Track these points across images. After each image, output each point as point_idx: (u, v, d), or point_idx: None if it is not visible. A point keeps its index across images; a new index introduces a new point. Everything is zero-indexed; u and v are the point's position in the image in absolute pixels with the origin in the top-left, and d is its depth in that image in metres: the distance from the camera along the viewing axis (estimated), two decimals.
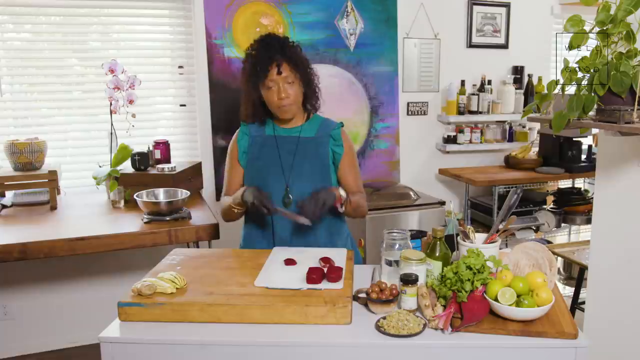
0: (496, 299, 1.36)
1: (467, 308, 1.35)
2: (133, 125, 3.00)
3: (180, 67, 3.29)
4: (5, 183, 2.72)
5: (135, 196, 2.48)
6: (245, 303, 1.40)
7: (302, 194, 1.87)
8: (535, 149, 3.88)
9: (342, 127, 2.00)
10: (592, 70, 1.62)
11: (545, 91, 1.74)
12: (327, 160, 1.94)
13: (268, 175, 1.93)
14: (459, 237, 1.63)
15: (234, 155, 2.01)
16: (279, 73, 1.82)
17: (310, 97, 1.95)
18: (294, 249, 1.83)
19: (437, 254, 1.55)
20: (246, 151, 1.98)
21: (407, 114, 3.80)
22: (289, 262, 1.67)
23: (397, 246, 1.57)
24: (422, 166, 3.91)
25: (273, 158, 1.94)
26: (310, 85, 1.93)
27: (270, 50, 1.83)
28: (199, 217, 2.57)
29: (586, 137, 3.78)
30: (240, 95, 1.98)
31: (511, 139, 3.97)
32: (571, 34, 1.65)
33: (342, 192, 1.87)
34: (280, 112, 1.89)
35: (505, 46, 3.93)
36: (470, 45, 3.85)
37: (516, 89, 3.88)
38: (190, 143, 3.39)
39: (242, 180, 2.01)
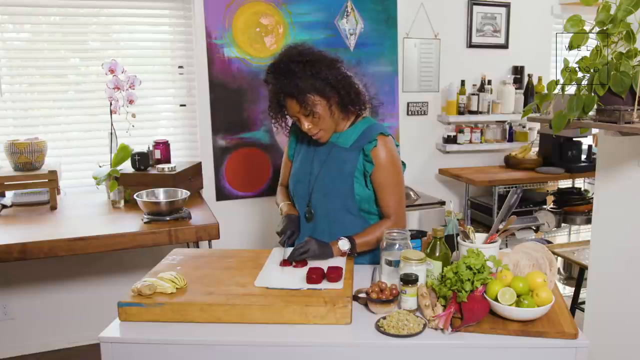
0: (496, 299, 1.36)
1: (467, 308, 1.35)
2: (133, 125, 3.00)
3: (180, 67, 3.29)
4: (5, 183, 2.72)
5: (135, 196, 2.48)
6: (245, 303, 1.40)
7: (318, 208, 1.85)
8: (535, 149, 3.88)
9: (387, 137, 1.85)
10: (592, 70, 1.62)
11: (545, 91, 1.74)
12: (350, 179, 1.81)
13: (297, 182, 1.92)
14: (459, 237, 1.63)
15: (286, 148, 2.05)
16: (287, 113, 1.78)
17: (346, 103, 1.79)
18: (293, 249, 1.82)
19: (437, 254, 1.55)
20: (295, 147, 2.00)
21: (407, 114, 3.79)
22: (285, 263, 1.67)
23: (397, 246, 1.57)
24: (422, 166, 3.91)
25: (305, 165, 1.90)
26: (340, 95, 1.77)
27: (281, 88, 1.71)
28: (199, 217, 2.57)
29: (586, 137, 3.79)
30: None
31: (511, 139, 3.97)
32: (571, 34, 1.65)
33: (344, 247, 1.71)
34: (314, 139, 1.83)
35: (505, 46, 3.93)
36: (470, 45, 3.85)
37: (516, 89, 3.88)
38: (190, 143, 3.39)
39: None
